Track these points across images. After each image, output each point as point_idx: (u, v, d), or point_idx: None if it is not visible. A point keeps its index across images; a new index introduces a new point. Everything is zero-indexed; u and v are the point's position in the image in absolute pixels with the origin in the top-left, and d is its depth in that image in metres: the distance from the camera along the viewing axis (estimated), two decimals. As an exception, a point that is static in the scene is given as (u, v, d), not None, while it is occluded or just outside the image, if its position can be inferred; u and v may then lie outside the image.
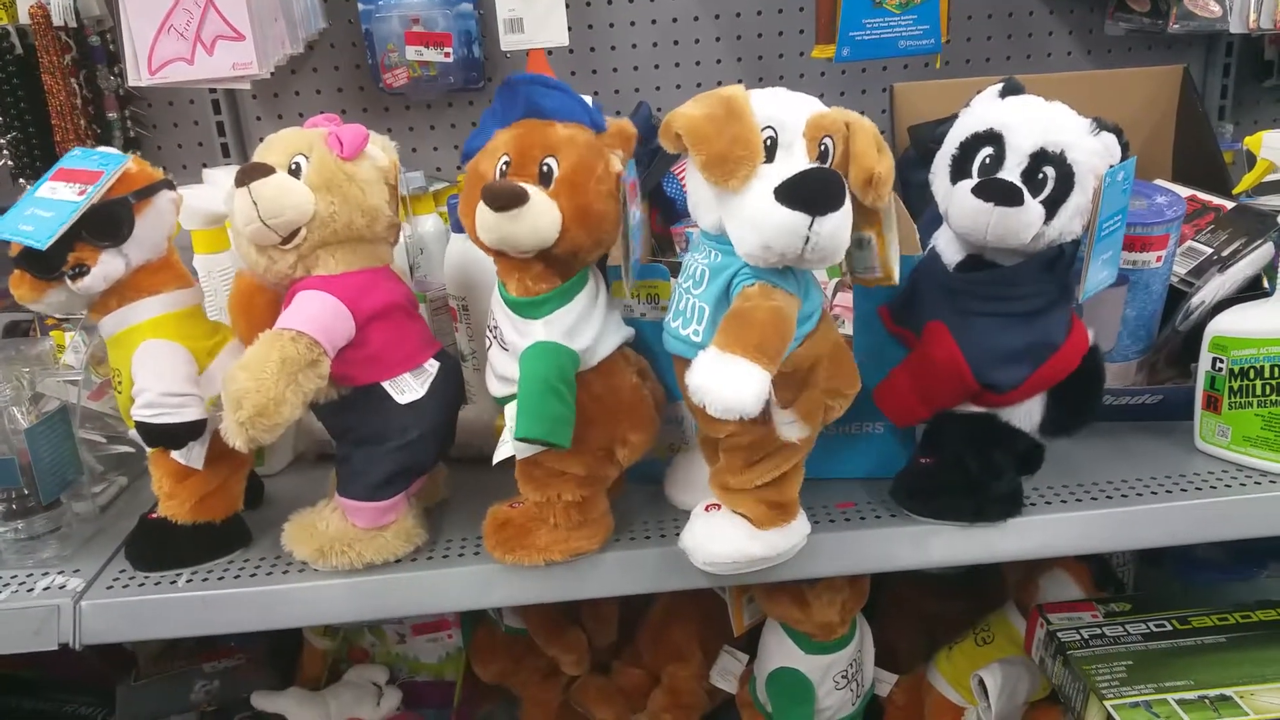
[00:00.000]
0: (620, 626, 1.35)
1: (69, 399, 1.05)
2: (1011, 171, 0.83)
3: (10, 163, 1.44)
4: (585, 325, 0.86)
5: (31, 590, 0.93)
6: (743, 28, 1.59)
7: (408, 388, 0.90)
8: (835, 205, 0.73)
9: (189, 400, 0.90)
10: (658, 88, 1.60)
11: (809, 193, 0.73)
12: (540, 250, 0.82)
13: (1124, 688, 1.00)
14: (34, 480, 0.96)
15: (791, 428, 0.81)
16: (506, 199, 0.79)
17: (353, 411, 0.91)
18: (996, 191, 0.81)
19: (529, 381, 0.81)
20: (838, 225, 0.74)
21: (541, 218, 0.80)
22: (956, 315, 0.88)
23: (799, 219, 0.72)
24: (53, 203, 0.87)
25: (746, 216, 0.75)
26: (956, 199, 0.84)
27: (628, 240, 0.88)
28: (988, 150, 0.84)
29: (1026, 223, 0.82)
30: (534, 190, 0.80)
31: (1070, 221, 0.83)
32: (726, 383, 0.73)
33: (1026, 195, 0.81)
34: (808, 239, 0.73)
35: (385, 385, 0.90)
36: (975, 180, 0.84)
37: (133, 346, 0.90)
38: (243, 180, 0.85)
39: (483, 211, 0.80)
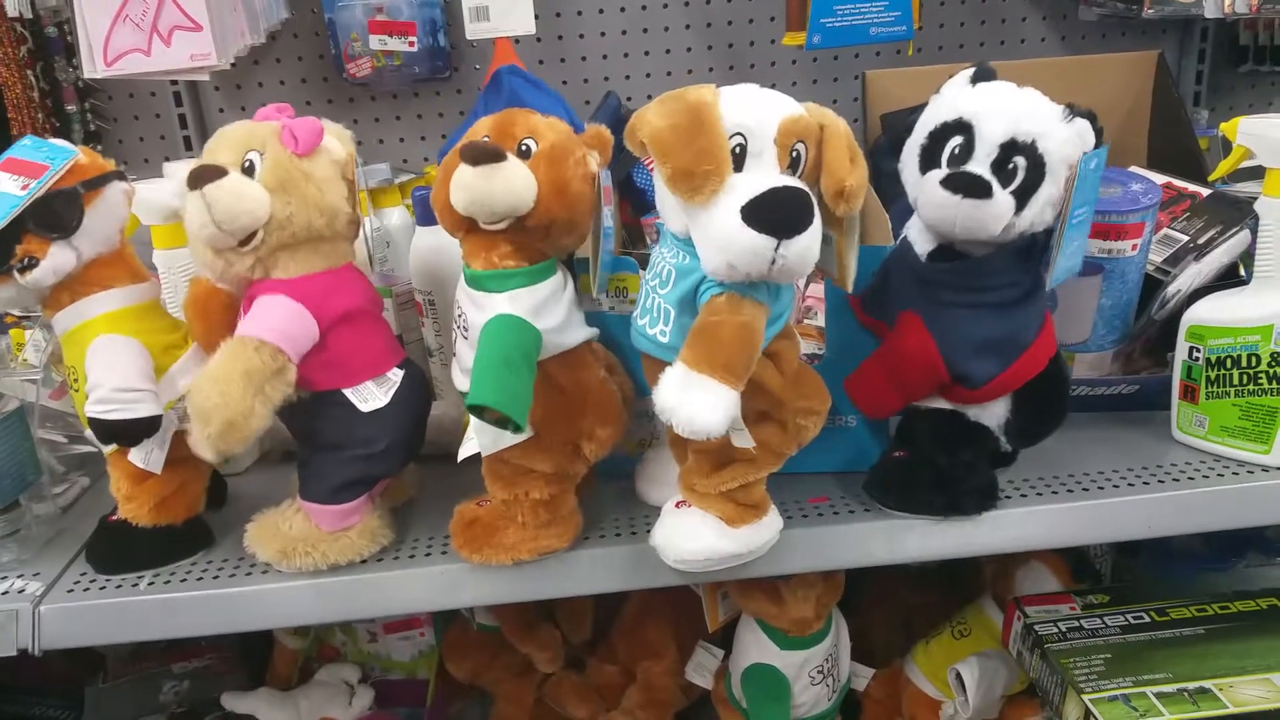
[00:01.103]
0: (594, 623, 1.34)
1: (27, 398, 1.03)
2: (981, 162, 0.81)
3: (-33, 157, 1.41)
4: (551, 308, 0.84)
5: (-11, 595, 0.92)
6: (712, 15, 1.57)
7: (370, 395, 0.89)
8: (802, 227, 0.71)
9: (144, 396, 0.88)
10: (627, 76, 1.59)
11: (776, 215, 0.71)
12: (513, 220, 0.81)
13: (1102, 681, 1.00)
14: (-9, 482, 0.94)
15: (740, 435, 0.79)
16: (484, 154, 0.77)
17: (314, 416, 0.89)
18: (964, 184, 0.80)
19: (486, 351, 0.79)
20: (805, 246, 0.72)
21: (518, 178, 0.79)
22: (929, 305, 0.87)
23: (765, 241, 0.70)
24: None
25: (712, 235, 0.73)
26: (925, 190, 0.83)
27: (598, 242, 0.86)
28: (957, 140, 0.82)
29: (995, 215, 0.81)
30: (512, 156, 0.79)
31: (1042, 212, 0.82)
32: (694, 405, 0.72)
33: (996, 187, 0.80)
34: (774, 261, 0.71)
35: (346, 392, 0.88)
36: (944, 172, 0.82)
37: (87, 343, 0.88)
38: (195, 183, 0.81)
39: (460, 171, 0.78)
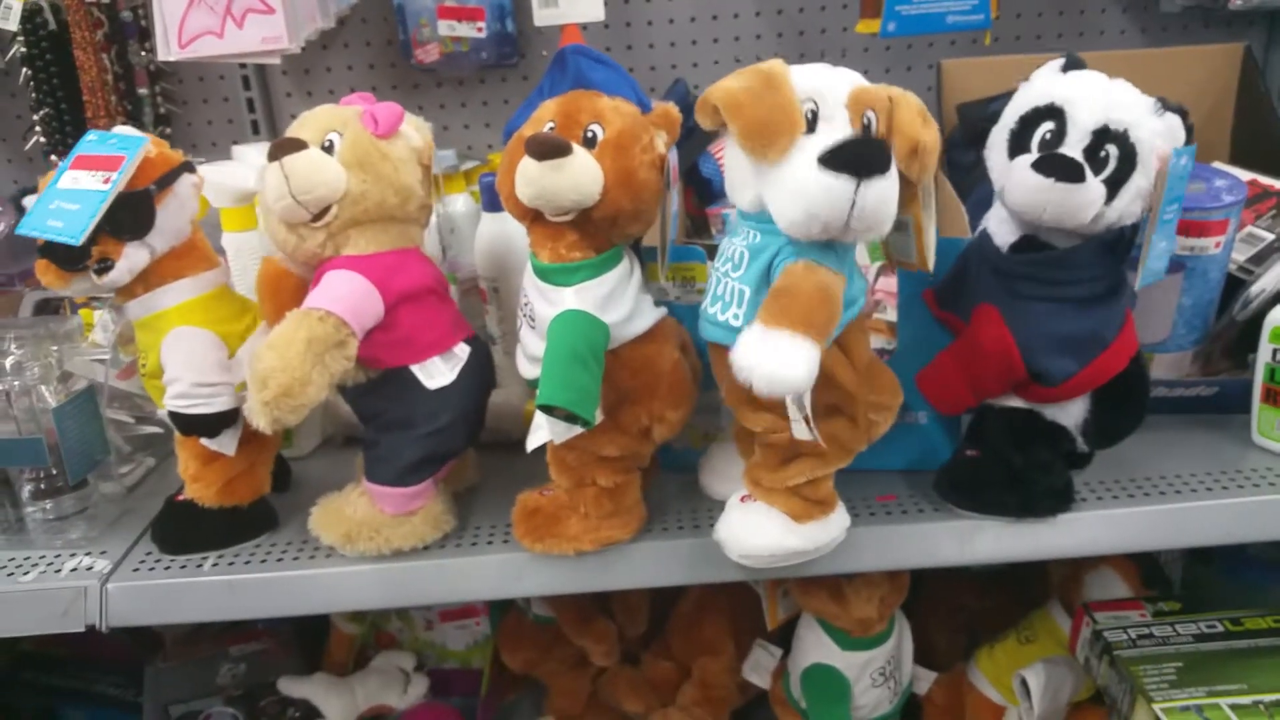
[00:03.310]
0: (651, 617, 1.33)
1: (97, 378, 1.04)
2: (1073, 148, 0.79)
3: (43, 139, 1.44)
4: (617, 300, 0.83)
5: (59, 571, 0.93)
6: (783, 1, 1.55)
7: (437, 372, 0.89)
8: (881, 169, 0.69)
9: (221, 390, 0.90)
10: (695, 64, 1.57)
11: (854, 157, 0.69)
12: (579, 212, 0.80)
13: (1173, 690, 0.97)
14: (61, 460, 0.96)
15: (799, 426, 0.77)
16: (550, 148, 0.77)
17: (381, 395, 0.89)
18: (1058, 167, 0.78)
19: (555, 348, 0.79)
20: (883, 191, 0.70)
21: (584, 172, 0.78)
22: (1008, 298, 0.85)
23: (844, 184, 0.69)
24: (77, 194, 0.85)
25: (788, 187, 0.71)
26: (1015, 174, 0.81)
27: (665, 223, 0.85)
28: (1049, 125, 0.80)
29: (1087, 201, 0.78)
30: (578, 148, 0.79)
31: (1131, 204, 0.80)
32: (774, 357, 0.68)
33: (1088, 173, 0.78)
34: (853, 204, 0.69)
35: (414, 369, 0.88)
36: (1035, 156, 0.80)
37: (161, 332, 0.90)
38: (275, 154, 0.83)
39: (525, 164, 0.78)
